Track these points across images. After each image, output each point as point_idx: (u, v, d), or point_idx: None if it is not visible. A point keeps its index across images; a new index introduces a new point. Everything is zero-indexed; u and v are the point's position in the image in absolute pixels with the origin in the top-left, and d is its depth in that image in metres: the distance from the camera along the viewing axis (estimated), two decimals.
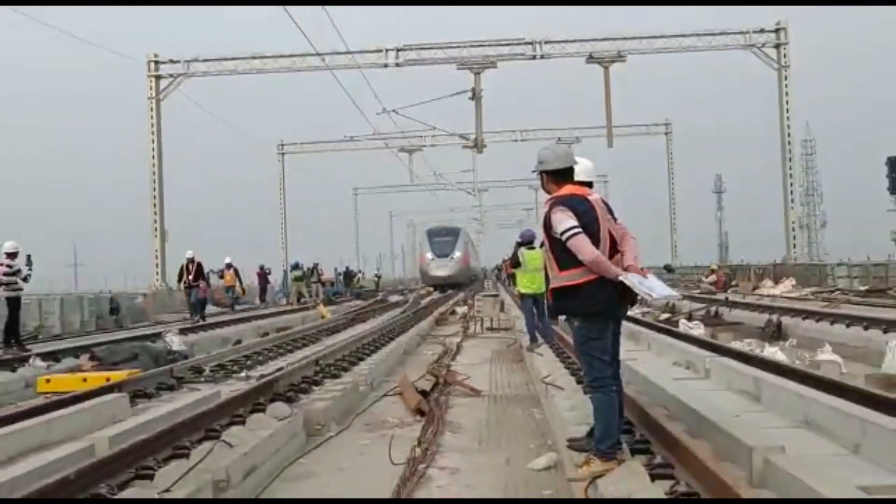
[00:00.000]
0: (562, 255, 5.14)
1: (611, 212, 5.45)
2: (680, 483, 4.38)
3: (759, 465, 4.52)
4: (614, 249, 5.27)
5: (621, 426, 5.38)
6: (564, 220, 5.08)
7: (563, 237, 5.06)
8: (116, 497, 4.53)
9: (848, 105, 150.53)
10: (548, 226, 5.22)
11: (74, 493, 4.52)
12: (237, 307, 30.76)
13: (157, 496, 4.68)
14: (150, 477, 5.07)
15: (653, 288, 5.08)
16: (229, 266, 30.38)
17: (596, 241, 5.11)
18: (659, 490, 4.28)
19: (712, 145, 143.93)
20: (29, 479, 4.72)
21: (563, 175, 5.39)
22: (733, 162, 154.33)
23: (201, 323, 21.56)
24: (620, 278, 5.03)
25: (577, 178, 5.45)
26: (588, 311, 5.18)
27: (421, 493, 5.70)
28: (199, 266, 23.59)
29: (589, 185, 5.66)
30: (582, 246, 5.02)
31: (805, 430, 5.89)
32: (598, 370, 5.18)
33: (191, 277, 23.09)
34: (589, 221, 5.14)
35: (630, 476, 4.59)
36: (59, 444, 6.23)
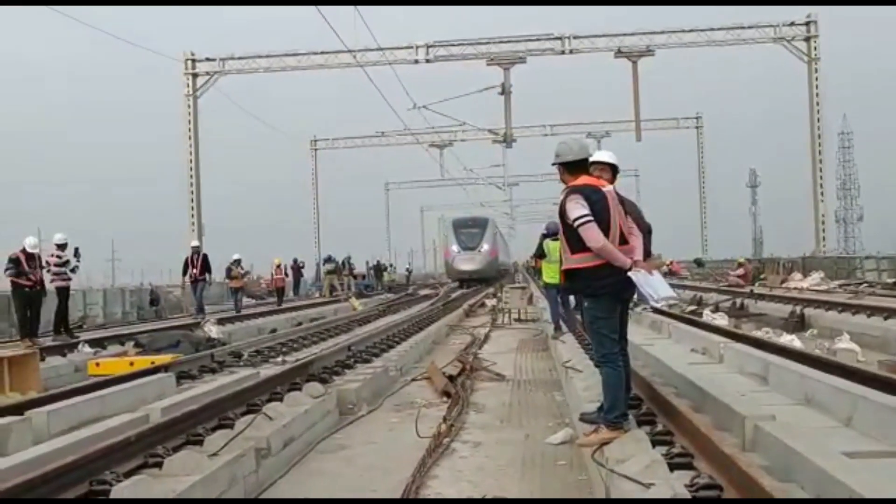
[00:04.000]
0: (574, 240, 5.58)
1: (623, 203, 5.89)
2: (676, 446, 4.81)
3: (750, 432, 4.92)
4: (625, 238, 5.70)
5: (628, 399, 5.83)
6: (577, 209, 5.52)
7: (575, 224, 5.51)
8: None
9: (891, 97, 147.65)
10: (563, 213, 5.67)
11: (135, 453, 5.08)
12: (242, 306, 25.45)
13: (207, 458, 5.21)
14: (200, 442, 5.63)
15: (655, 288, 5.54)
16: (237, 262, 25.33)
17: (606, 229, 5.54)
18: (657, 454, 4.70)
19: (747, 139, 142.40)
20: (93, 441, 5.27)
21: (578, 166, 5.82)
22: (769, 156, 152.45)
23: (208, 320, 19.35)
24: (630, 274, 5.47)
25: (599, 159, 5.94)
26: (596, 291, 5.63)
27: (445, 464, 6.17)
28: (206, 258, 21.77)
29: (612, 167, 6.08)
30: (590, 234, 5.46)
31: (804, 406, 6.27)
32: (607, 347, 5.63)
33: (196, 271, 21.35)
34: (600, 210, 5.56)
35: (633, 442, 5.03)
36: (113, 416, 6.78)
